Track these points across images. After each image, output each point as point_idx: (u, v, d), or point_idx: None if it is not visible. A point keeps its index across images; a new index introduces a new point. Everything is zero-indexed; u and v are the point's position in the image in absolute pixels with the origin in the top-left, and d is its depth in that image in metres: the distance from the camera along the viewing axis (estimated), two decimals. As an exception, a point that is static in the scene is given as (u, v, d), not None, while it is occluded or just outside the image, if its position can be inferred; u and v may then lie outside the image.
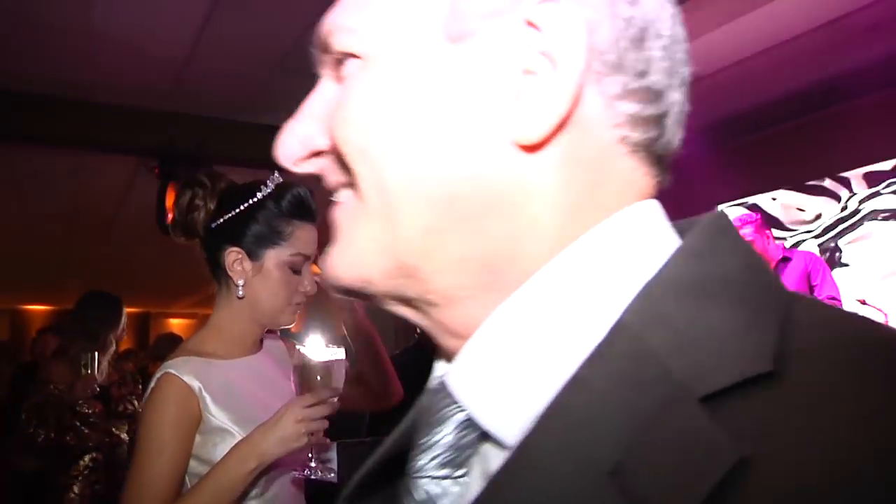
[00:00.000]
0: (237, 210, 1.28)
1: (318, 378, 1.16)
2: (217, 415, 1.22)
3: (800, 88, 4.94)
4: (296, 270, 1.30)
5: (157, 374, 1.23)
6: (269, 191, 1.29)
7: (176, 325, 12.13)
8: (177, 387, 1.20)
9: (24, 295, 15.34)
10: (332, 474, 1.17)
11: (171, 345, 3.56)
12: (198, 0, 3.63)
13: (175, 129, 4.79)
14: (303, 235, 1.30)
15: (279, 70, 4.42)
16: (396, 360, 2.51)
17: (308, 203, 1.30)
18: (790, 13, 3.92)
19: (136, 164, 5.13)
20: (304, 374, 1.17)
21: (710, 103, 5.10)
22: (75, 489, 2.93)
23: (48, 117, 4.50)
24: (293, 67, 4.40)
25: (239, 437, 1.18)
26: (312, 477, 1.17)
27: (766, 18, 3.94)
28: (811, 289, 3.69)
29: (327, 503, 1.02)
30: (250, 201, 1.28)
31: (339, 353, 1.21)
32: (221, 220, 1.30)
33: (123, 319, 3.25)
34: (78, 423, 2.99)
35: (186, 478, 1.20)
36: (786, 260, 3.78)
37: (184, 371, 1.22)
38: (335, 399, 1.17)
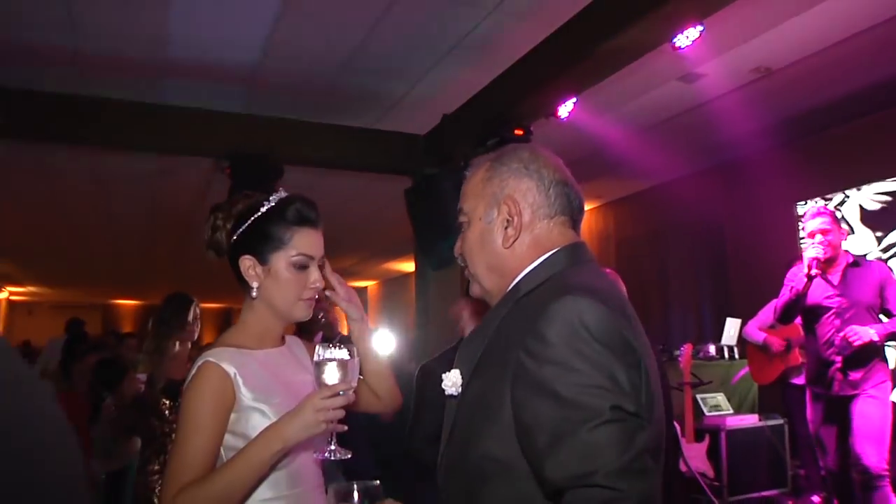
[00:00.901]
0: (247, 224, 1.46)
1: (335, 373, 1.29)
2: (248, 395, 1.37)
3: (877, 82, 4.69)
4: (302, 269, 1.45)
5: (198, 363, 1.40)
6: (271, 205, 1.46)
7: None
8: (215, 373, 1.37)
9: (115, 290, 16.24)
10: (349, 454, 1.31)
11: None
12: (266, 8, 3.75)
13: (246, 130, 4.95)
14: (304, 238, 1.45)
15: (345, 71, 4.52)
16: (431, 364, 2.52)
17: (306, 211, 1.46)
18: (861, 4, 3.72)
19: (212, 166, 5.32)
20: (323, 369, 1.30)
21: (786, 97, 4.90)
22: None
23: (130, 123, 4.74)
24: (359, 68, 4.49)
25: (266, 414, 1.37)
26: (331, 458, 1.31)
27: (835, 10, 3.75)
28: (884, 301, 3.41)
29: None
30: (256, 215, 1.45)
31: (353, 353, 1.33)
32: (237, 235, 1.48)
33: (189, 319, 3.21)
34: (152, 418, 3.09)
35: (222, 450, 1.36)
36: (855, 265, 3.49)
37: (222, 359, 1.38)
38: (350, 392, 1.31)
